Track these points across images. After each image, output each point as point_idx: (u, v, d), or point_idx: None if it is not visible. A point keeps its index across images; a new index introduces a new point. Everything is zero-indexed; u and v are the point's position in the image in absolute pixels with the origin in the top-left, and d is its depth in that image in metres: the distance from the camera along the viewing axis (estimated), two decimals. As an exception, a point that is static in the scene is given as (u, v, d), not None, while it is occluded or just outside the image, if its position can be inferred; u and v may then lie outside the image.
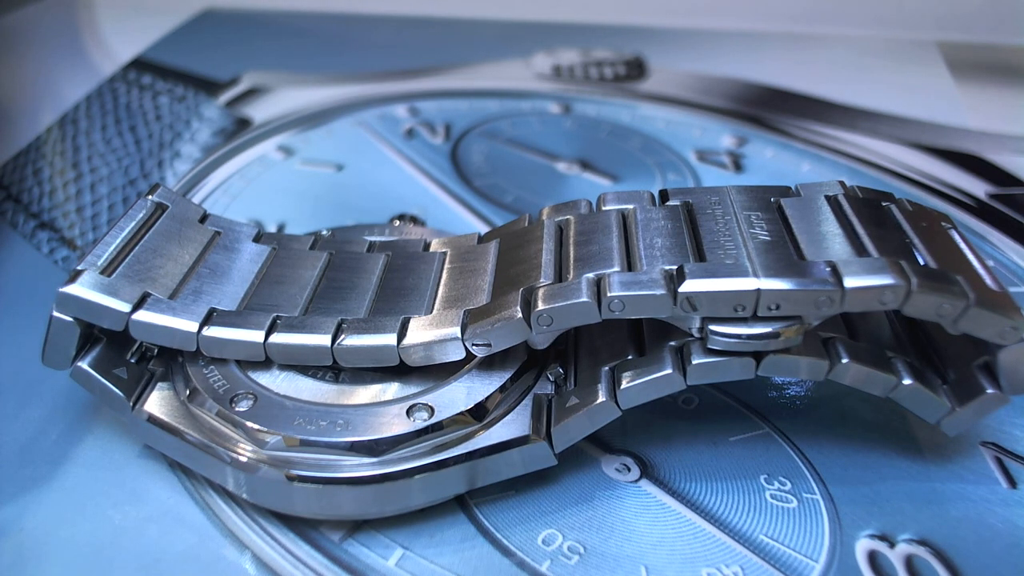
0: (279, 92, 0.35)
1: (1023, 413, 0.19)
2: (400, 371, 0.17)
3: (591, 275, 0.16)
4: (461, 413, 0.16)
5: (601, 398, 0.16)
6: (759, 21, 0.43)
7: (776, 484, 0.18)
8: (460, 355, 0.17)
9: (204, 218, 0.20)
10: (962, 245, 0.17)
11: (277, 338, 0.17)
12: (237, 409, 0.16)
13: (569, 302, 0.16)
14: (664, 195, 0.18)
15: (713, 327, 0.16)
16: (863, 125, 0.33)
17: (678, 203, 0.18)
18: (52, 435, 0.19)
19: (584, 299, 0.16)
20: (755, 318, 0.15)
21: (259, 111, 0.34)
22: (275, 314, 0.17)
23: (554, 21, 0.43)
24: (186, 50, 0.40)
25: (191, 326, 0.17)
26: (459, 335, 0.16)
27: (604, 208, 0.19)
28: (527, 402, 0.17)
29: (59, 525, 0.17)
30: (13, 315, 0.22)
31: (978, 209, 0.27)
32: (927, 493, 0.18)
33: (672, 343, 0.17)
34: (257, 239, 0.20)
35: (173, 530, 0.17)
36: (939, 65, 0.38)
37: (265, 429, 0.16)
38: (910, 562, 0.16)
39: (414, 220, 0.27)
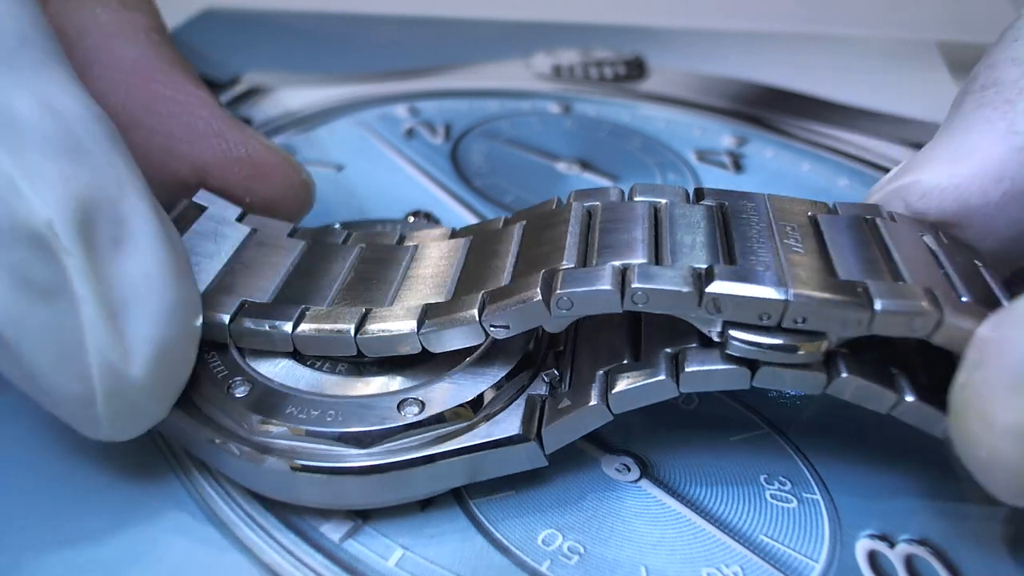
0: (279, 92, 0.35)
1: (1023, 413, 0.19)
2: (398, 365, 0.17)
3: (617, 263, 0.16)
4: (452, 410, 0.16)
5: (593, 401, 0.16)
6: (759, 21, 0.43)
7: (776, 484, 0.18)
8: (479, 338, 0.17)
9: (241, 217, 0.20)
10: (992, 284, 0.17)
11: (304, 328, 0.17)
12: (234, 394, 0.17)
13: (591, 288, 0.16)
14: (700, 194, 0.18)
15: (734, 332, 0.15)
16: (863, 125, 0.33)
17: (713, 203, 0.18)
18: (51, 434, 0.19)
19: (607, 287, 0.16)
20: (778, 329, 0.15)
21: (259, 111, 0.34)
22: (303, 306, 0.18)
23: (554, 21, 0.43)
24: (186, 50, 0.40)
25: (222, 318, 0.17)
26: (477, 317, 0.16)
27: (636, 198, 0.18)
28: (520, 401, 0.17)
29: (58, 525, 0.17)
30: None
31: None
32: (927, 493, 0.18)
33: (668, 350, 0.17)
34: (291, 234, 0.20)
35: (174, 531, 0.17)
36: (939, 65, 0.38)
37: (258, 416, 0.16)
38: (910, 562, 0.16)
39: (428, 216, 0.27)
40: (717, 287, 0.15)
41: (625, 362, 0.17)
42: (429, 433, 0.16)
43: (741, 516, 0.17)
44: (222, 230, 0.19)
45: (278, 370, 0.17)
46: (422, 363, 0.18)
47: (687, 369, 0.16)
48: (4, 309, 0.14)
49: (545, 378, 0.18)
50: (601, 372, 0.17)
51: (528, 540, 0.17)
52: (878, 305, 0.15)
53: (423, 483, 0.17)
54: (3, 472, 0.18)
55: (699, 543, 0.17)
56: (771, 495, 0.18)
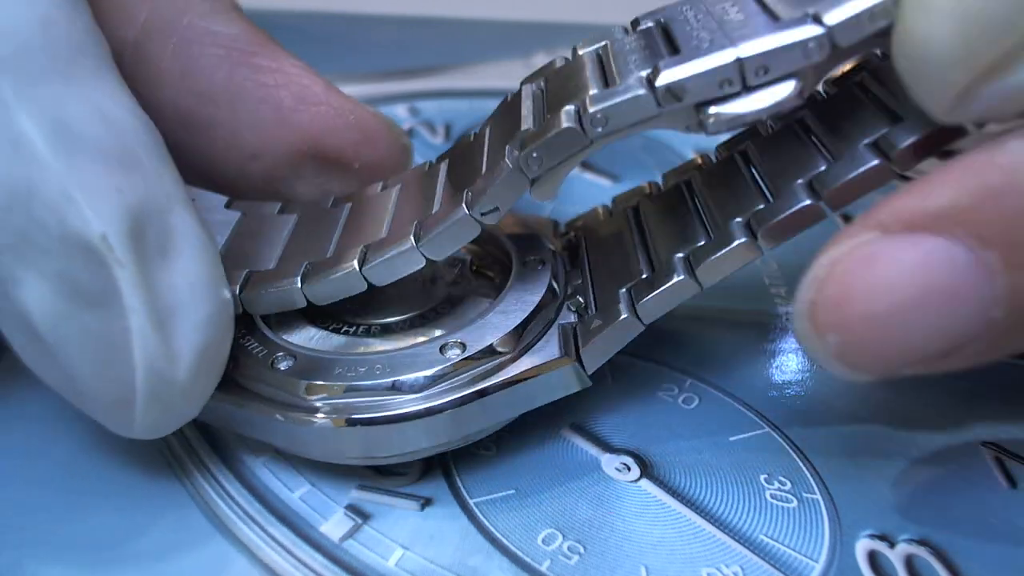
0: (279, 92, 0.35)
1: (1023, 413, 0.20)
2: (427, 319, 0.19)
3: (570, 107, 0.16)
4: (492, 345, 0.17)
5: (624, 315, 0.17)
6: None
7: (776, 484, 0.18)
8: (475, 232, 0.17)
9: (229, 204, 0.20)
10: None
11: (312, 280, 0.18)
12: (279, 368, 0.17)
13: (552, 133, 0.16)
14: (636, 22, 0.19)
15: (710, 109, 0.15)
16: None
17: (651, 23, 0.18)
18: (51, 434, 0.19)
19: (566, 125, 0.16)
20: (748, 89, 0.15)
21: (259, 111, 0.34)
22: (306, 262, 0.18)
23: (554, 21, 0.43)
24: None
25: (232, 289, 0.17)
26: (467, 211, 0.17)
27: (579, 53, 0.19)
28: (553, 331, 0.18)
29: (58, 525, 0.17)
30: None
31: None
32: (927, 493, 0.18)
33: (679, 254, 0.17)
34: (280, 212, 0.21)
35: (173, 531, 0.17)
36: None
37: (309, 382, 0.17)
38: (910, 562, 0.16)
39: None
40: (665, 76, 0.15)
41: (644, 276, 0.18)
42: (476, 369, 0.17)
43: (741, 516, 0.17)
44: (215, 216, 0.20)
45: (313, 341, 0.18)
46: (449, 314, 0.19)
47: (701, 265, 0.17)
48: (49, 314, 0.14)
49: (571, 307, 0.19)
50: (623, 290, 0.18)
51: (528, 540, 0.17)
52: (828, 19, 0.15)
53: (477, 419, 0.17)
54: (3, 473, 0.18)
55: (699, 543, 0.17)
56: (771, 495, 0.18)
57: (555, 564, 0.16)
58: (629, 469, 0.18)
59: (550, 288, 0.19)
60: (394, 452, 0.17)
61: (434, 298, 0.19)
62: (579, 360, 0.18)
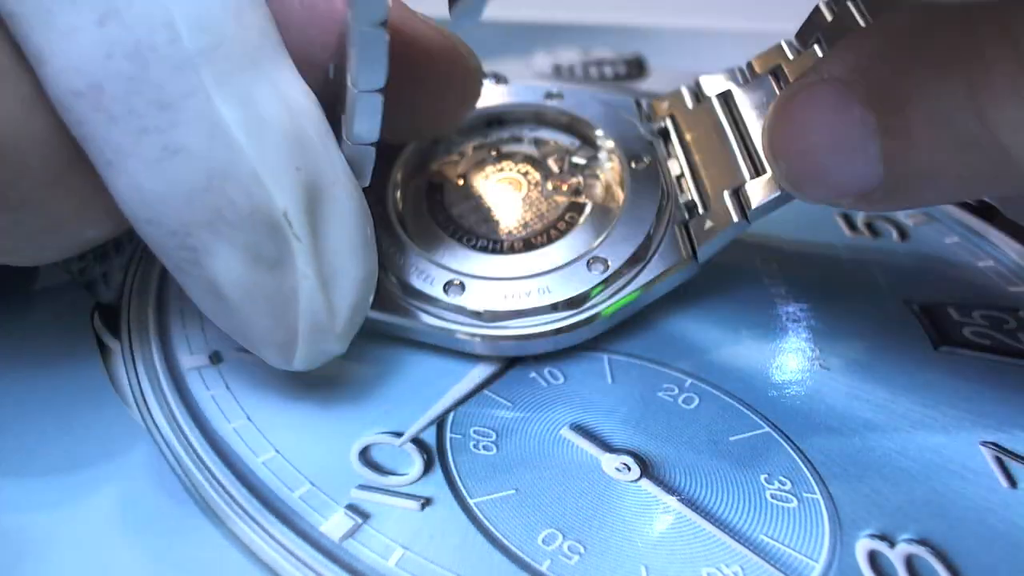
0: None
1: (1023, 413, 0.20)
2: (560, 230, 0.21)
3: None
4: (628, 259, 0.20)
5: (736, 219, 0.19)
6: (759, 21, 0.43)
7: (776, 484, 0.18)
8: None
9: None
10: None
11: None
12: (452, 296, 0.20)
13: None
14: None
15: None
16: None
17: None
18: (49, 435, 0.19)
19: None
20: None
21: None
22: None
23: (554, 21, 0.43)
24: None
25: None
26: None
27: None
28: (672, 231, 0.21)
29: (58, 525, 0.17)
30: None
31: (979, 209, 0.27)
32: (927, 493, 0.18)
33: None
34: None
35: (173, 530, 0.17)
36: (939, 65, 0.37)
37: (482, 309, 0.20)
38: (910, 562, 0.16)
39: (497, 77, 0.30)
40: None
41: (749, 179, 0.19)
42: (620, 280, 0.20)
43: (741, 516, 0.17)
44: None
45: (467, 262, 0.21)
46: (578, 224, 0.21)
47: None
48: (235, 279, 0.16)
49: (682, 203, 0.21)
50: (729, 192, 0.19)
51: (528, 540, 0.17)
52: None
53: (615, 319, 0.20)
54: (1, 473, 0.18)
55: (699, 543, 0.17)
56: (771, 495, 0.18)
57: (555, 564, 0.16)
58: (629, 469, 0.18)
59: (662, 191, 0.21)
60: (548, 349, 0.20)
61: (559, 208, 0.22)
62: (694, 255, 0.20)
